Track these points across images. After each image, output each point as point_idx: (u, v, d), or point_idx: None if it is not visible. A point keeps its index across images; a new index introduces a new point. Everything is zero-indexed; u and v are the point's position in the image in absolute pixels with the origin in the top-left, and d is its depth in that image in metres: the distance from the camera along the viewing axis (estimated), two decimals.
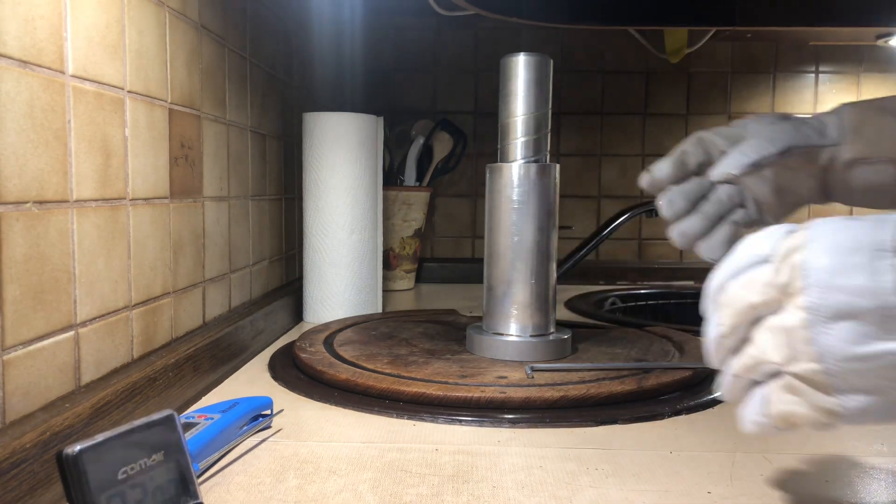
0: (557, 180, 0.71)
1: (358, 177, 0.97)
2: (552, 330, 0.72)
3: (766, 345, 0.38)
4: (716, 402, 0.63)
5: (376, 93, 1.49)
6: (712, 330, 0.40)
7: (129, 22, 0.56)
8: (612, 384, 0.62)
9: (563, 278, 1.22)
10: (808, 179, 0.62)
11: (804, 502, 0.44)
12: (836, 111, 0.62)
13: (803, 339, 0.36)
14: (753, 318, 0.39)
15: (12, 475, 0.39)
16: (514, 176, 0.70)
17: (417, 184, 1.33)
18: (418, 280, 1.42)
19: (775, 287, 0.38)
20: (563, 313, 1.10)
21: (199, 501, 0.37)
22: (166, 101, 0.63)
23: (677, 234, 0.59)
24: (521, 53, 0.70)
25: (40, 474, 0.41)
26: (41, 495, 0.41)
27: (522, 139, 0.70)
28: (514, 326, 0.71)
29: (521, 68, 0.70)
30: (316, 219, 0.97)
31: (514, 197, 0.70)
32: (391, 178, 1.30)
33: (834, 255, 0.36)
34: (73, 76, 0.49)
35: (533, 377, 0.64)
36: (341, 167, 0.96)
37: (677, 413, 0.60)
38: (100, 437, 0.34)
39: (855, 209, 1.33)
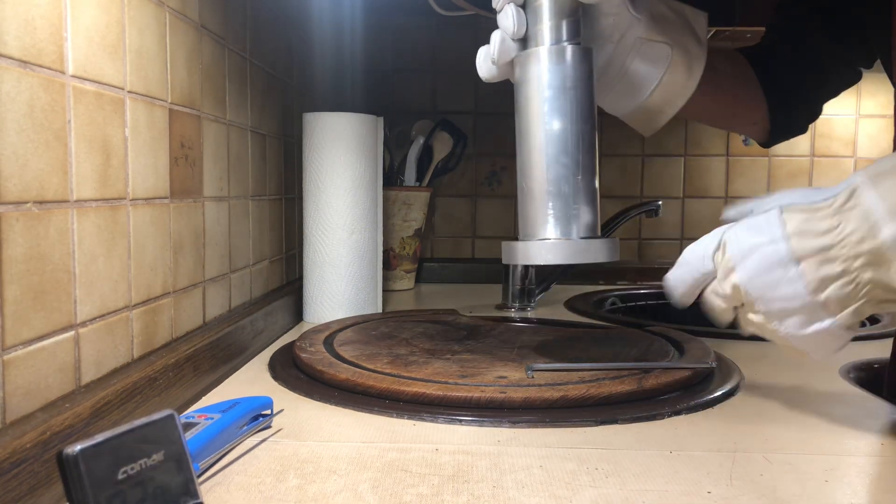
0: (594, 68, 0.63)
1: (358, 177, 0.97)
2: (597, 231, 0.62)
3: (747, 324, 0.53)
4: (716, 401, 0.63)
5: (376, 93, 1.49)
6: (711, 315, 0.55)
7: (129, 22, 0.56)
8: (612, 384, 0.62)
9: (563, 278, 1.22)
10: (607, 45, 0.66)
11: (804, 502, 0.44)
12: None
13: (769, 330, 0.52)
14: (731, 310, 0.54)
15: (13, 475, 0.39)
16: (546, 61, 0.60)
17: (417, 184, 1.33)
18: (418, 280, 1.42)
19: (729, 298, 0.52)
20: (563, 313, 1.10)
21: (199, 501, 0.37)
22: (166, 101, 0.63)
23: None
24: None
25: (41, 474, 0.41)
26: (41, 495, 0.41)
27: (552, 21, 0.61)
28: (558, 228, 0.60)
29: None
30: (316, 219, 0.97)
31: (548, 83, 0.60)
32: (391, 178, 1.30)
33: (759, 275, 0.50)
34: (73, 76, 0.49)
35: (533, 377, 0.64)
36: (341, 167, 0.96)
37: (677, 413, 0.60)
38: (100, 437, 0.34)
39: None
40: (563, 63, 0.60)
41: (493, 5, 0.64)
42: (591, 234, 0.60)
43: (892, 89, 0.72)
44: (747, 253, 0.50)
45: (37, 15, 0.45)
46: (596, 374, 0.66)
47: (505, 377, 0.64)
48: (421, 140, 1.34)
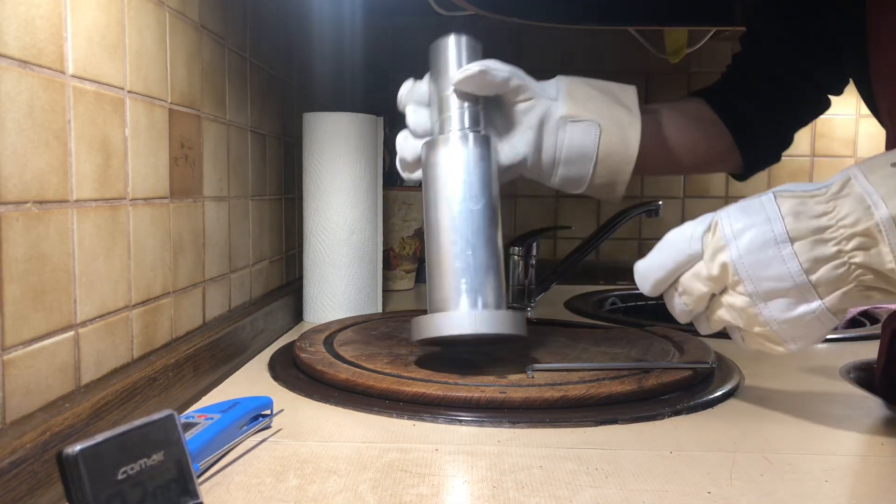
0: (495, 151, 0.68)
1: (358, 177, 0.97)
2: (502, 307, 0.66)
3: (727, 316, 0.53)
4: (716, 401, 0.63)
5: (376, 93, 1.49)
6: (679, 307, 0.56)
7: (129, 22, 0.56)
8: (612, 384, 0.62)
9: (564, 278, 1.22)
10: (527, 132, 0.68)
11: (804, 502, 0.44)
12: (555, 80, 0.70)
13: (751, 314, 0.51)
14: (709, 297, 0.54)
15: (12, 475, 0.39)
16: (448, 147, 0.66)
17: (417, 184, 1.33)
18: (418, 280, 1.42)
19: (714, 279, 0.52)
20: (563, 313, 1.10)
21: (199, 501, 0.37)
22: (166, 101, 0.63)
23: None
24: (451, 34, 0.70)
25: (40, 474, 0.41)
26: (41, 495, 0.41)
27: (458, 111, 0.67)
28: (465, 303, 0.64)
29: (451, 46, 0.70)
30: (316, 219, 0.97)
31: (452, 169, 0.66)
32: (391, 178, 1.30)
33: (751, 253, 0.50)
34: (73, 76, 0.49)
35: (533, 377, 0.64)
36: (341, 167, 0.96)
37: (677, 413, 0.60)
38: (100, 437, 0.34)
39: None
40: (465, 148, 0.65)
41: (398, 106, 0.70)
42: (495, 307, 0.63)
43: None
44: (741, 231, 0.50)
45: (37, 15, 0.45)
46: (596, 374, 0.66)
47: (505, 377, 0.64)
48: None
